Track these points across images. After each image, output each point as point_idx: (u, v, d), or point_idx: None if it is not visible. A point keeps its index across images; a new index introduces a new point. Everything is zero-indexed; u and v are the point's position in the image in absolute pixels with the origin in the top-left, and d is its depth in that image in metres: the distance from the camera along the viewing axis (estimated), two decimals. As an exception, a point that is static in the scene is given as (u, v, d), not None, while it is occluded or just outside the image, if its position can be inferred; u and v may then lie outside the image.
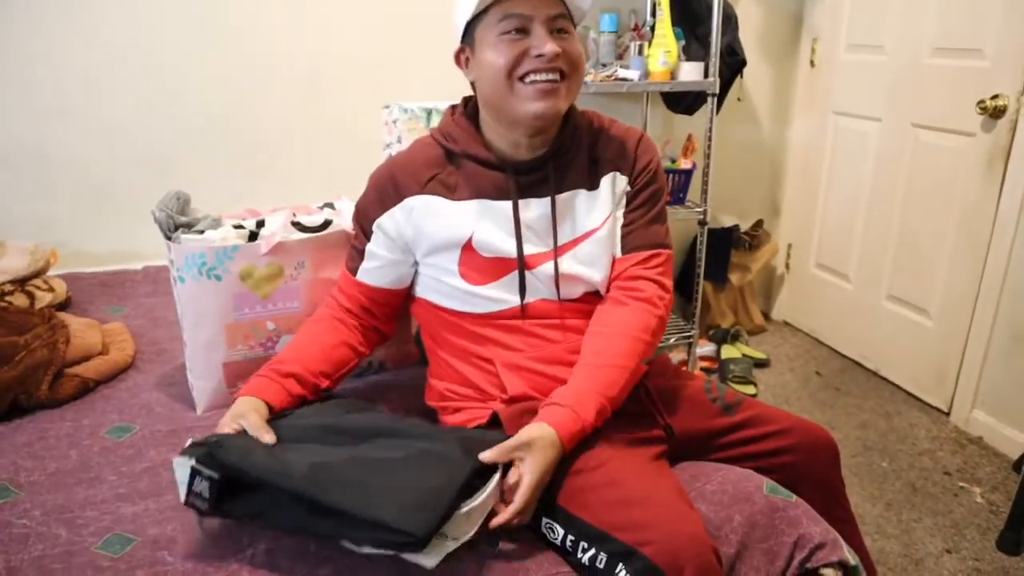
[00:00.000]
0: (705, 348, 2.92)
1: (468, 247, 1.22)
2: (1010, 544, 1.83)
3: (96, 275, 2.16)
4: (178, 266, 1.38)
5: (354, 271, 1.32)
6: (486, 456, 1.04)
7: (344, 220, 1.52)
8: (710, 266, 2.88)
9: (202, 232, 1.39)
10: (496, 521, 1.02)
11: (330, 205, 1.64)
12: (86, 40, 2.24)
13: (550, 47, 1.11)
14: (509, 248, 1.21)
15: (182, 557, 1.02)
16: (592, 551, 0.99)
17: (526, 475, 1.03)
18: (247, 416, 1.12)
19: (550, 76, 1.14)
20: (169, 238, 1.38)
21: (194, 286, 1.38)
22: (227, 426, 1.12)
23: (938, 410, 2.48)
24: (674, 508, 1.01)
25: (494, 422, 1.18)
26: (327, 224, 1.49)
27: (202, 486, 0.99)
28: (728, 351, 2.89)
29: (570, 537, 1.03)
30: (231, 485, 1.00)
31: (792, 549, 1.08)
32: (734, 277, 3.07)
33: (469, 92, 1.28)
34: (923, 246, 2.49)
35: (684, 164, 2.66)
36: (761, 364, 2.87)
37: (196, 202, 1.51)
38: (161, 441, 1.32)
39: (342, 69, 2.49)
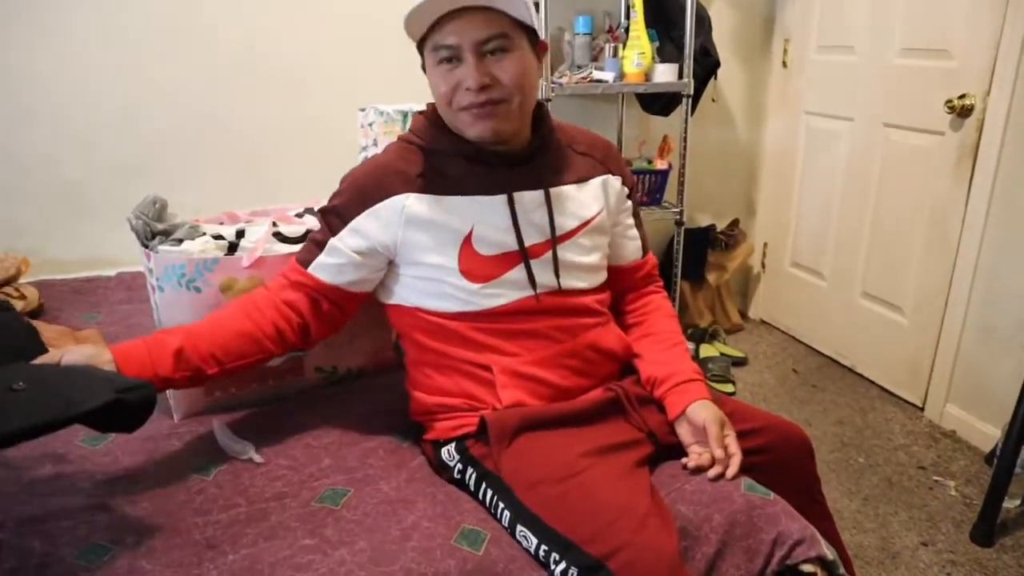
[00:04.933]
0: (683, 347, 2.94)
1: (467, 245, 1.20)
2: (983, 536, 1.87)
3: (68, 282, 2.13)
4: (157, 275, 1.36)
5: (306, 263, 1.25)
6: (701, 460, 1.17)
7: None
8: (687, 266, 2.91)
9: (180, 241, 1.37)
10: (729, 473, 1.14)
11: (311, 211, 1.62)
12: (56, 40, 2.21)
13: (474, 79, 1.11)
14: (509, 241, 1.21)
15: (161, 564, 1.01)
16: (563, 564, 0.99)
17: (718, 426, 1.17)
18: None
19: (482, 106, 1.13)
20: (147, 246, 1.36)
21: (173, 296, 1.36)
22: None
23: (913, 405, 2.52)
24: (647, 523, 0.99)
25: (482, 429, 1.17)
26: (309, 234, 1.47)
27: None
28: (706, 350, 2.91)
29: (543, 547, 1.03)
30: None
31: (771, 546, 1.09)
32: (711, 276, 3.09)
33: None
34: (895, 244, 2.53)
35: (660, 165, 2.69)
36: (739, 363, 2.89)
37: (172, 206, 1.48)
38: (137, 449, 1.31)
39: (319, 71, 2.48)
